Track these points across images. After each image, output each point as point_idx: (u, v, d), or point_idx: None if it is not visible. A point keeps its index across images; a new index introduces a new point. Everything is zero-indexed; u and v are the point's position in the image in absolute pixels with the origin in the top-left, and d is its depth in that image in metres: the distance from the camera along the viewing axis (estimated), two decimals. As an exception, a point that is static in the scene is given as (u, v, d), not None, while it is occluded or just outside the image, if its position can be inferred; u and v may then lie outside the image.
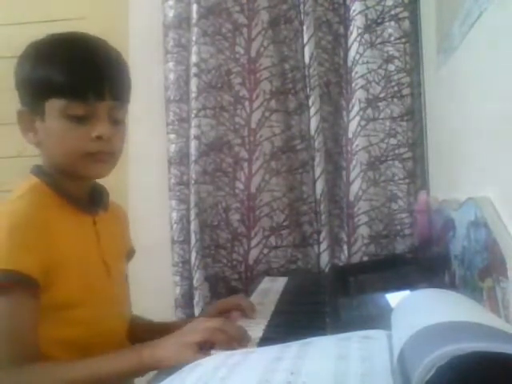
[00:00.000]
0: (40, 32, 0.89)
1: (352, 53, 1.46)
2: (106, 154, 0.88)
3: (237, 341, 0.78)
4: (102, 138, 0.85)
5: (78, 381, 0.77)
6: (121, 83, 0.89)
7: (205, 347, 0.75)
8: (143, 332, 1.05)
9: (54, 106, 0.85)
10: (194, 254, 1.48)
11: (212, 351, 0.74)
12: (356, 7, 1.45)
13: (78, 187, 0.92)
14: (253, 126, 1.50)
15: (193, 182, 1.49)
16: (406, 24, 1.44)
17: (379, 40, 1.45)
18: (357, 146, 1.46)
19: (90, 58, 0.85)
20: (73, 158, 0.86)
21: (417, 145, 1.45)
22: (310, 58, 1.48)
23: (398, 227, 1.46)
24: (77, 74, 0.84)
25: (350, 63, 1.47)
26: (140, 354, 0.77)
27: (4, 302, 0.78)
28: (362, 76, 1.45)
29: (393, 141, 1.45)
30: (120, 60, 0.90)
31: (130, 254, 1.09)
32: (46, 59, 0.86)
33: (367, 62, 1.45)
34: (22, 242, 0.79)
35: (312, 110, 1.48)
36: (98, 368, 0.77)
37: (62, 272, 0.83)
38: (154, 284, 1.51)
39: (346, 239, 1.49)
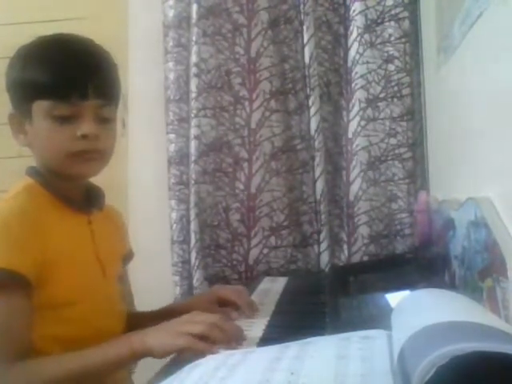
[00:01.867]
0: (40, 32, 0.89)
1: (352, 53, 1.46)
2: (94, 153, 0.88)
3: (234, 339, 0.78)
4: (88, 136, 0.86)
5: (70, 373, 0.77)
6: (106, 82, 0.89)
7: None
8: (146, 321, 1.05)
9: (40, 107, 0.85)
10: (194, 254, 1.47)
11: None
12: (356, 7, 1.45)
13: (71, 187, 0.93)
14: (253, 126, 1.50)
15: (193, 181, 1.49)
16: (406, 24, 1.44)
17: (379, 40, 1.45)
18: (357, 145, 1.46)
19: (73, 58, 0.86)
20: (60, 158, 0.87)
21: (417, 145, 1.45)
22: (310, 58, 1.48)
23: (398, 227, 1.45)
24: (60, 75, 0.85)
25: (350, 63, 1.47)
26: (130, 341, 0.78)
27: None
28: (361, 76, 1.45)
29: (393, 141, 1.45)
30: (106, 60, 0.91)
31: (128, 256, 1.09)
32: (30, 62, 0.87)
33: (367, 62, 1.45)
34: (14, 241, 0.79)
35: (312, 110, 1.48)
36: (89, 358, 0.78)
37: (56, 270, 0.83)
38: (153, 284, 1.51)
39: (346, 239, 1.49)
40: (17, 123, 0.90)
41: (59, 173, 0.89)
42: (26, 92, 0.86)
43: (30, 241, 0.81)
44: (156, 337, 0.76)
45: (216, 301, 1.03)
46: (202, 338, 0.75)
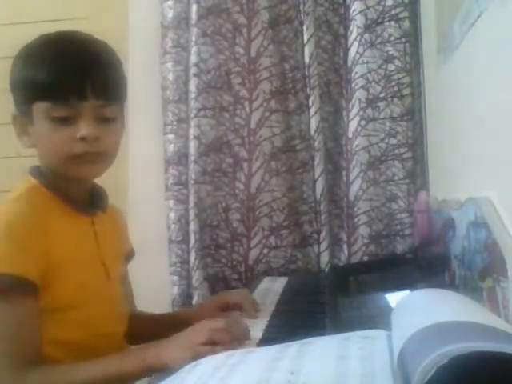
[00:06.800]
0: (40, 32, 0.88)
1: (352, 53, 1.46)
2: (94, 155, 0.86)
3: (239, 341, 0.78)
4: (87, 138, 0.84)
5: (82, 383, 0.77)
6: (106, 82, 0.86)
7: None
8: (148, 325, 1.05)
9: (39, 108, 0.84)
10: (193, 254, 1.47)
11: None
12: (356, 7, 1.45)
13: (75, 188, 0.91)
14: (252, 126, 1.50)
15: (192, 182, 1.49)
16: (406, 24, 1.44)
17: (379, 40, 1.45)
18: (357, 145, 1.46)
19: (70, 58, 0.84)
20: (61, 161, 0.85)
21: (417, 145, 1.45)
22: (310, 58, 1.48)
23: (398, 227, 1.45)
24: (56, 76, 0.83)
25: (349, 63, 1.47)
26: (144, 355, 0.77)
27: (4, 307, 0.77)
28: (362, 76, 1.45)
29: (393, 141, 1.45)
30: (107, 58, 0.88)
31: (129, 255, 1.09)
32: (29, 62, 0.85)
33: (367, 62, 1.45)
34: (19, 245, 0.78)
35: (312, 110, 1.48)
36: (102, 370, 0.77)
37: (60, 273, 0.83)
38: (151, 283, 1.51)
39: (345, 239, 1.49)
40: (20, 125, 0.89)
41: (62, 174, 0.88)
42: (26, 93, 0.85)
43: (34, 245, 0.80)
44: (169, 351, 0.75)
45: (219, 307, 1.03)
46: (211, 343, 0.74)
